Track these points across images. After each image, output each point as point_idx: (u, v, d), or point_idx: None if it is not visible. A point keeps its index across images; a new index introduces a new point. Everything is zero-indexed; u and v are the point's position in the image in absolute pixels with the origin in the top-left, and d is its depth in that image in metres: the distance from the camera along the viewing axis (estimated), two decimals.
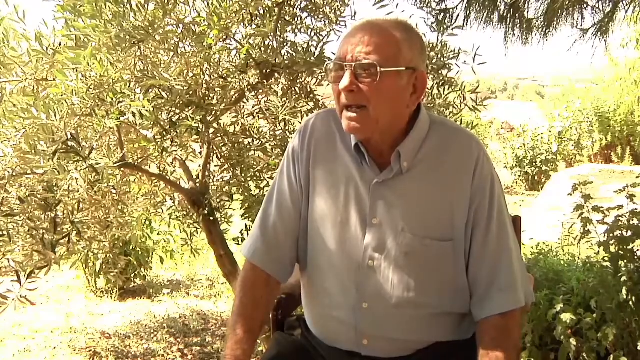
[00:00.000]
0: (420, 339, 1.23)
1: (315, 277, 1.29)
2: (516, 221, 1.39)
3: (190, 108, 2.00)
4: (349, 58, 1.14)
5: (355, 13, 2.39)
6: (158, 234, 4.40)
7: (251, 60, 2.17)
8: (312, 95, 2.42)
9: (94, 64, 1.76)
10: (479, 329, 1.20)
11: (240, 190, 2.42)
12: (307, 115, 2.24)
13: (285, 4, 2.24)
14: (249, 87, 2.26)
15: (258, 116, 2.50)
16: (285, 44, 2.30)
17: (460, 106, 2.41)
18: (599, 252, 2.49)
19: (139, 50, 1.94)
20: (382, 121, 1.16)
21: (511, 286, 1.19)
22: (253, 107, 2.51)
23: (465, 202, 1.20)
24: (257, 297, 1.29)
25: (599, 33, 3.04)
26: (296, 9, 2.37)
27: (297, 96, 2.36)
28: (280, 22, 2.23)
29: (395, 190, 1.21)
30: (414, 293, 1.20)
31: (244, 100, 2.38)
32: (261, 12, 2.14)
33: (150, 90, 1.96)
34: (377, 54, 1.12)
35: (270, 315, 1.44)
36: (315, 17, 2.39)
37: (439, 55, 2.35)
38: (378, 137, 1.20)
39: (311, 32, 2.36)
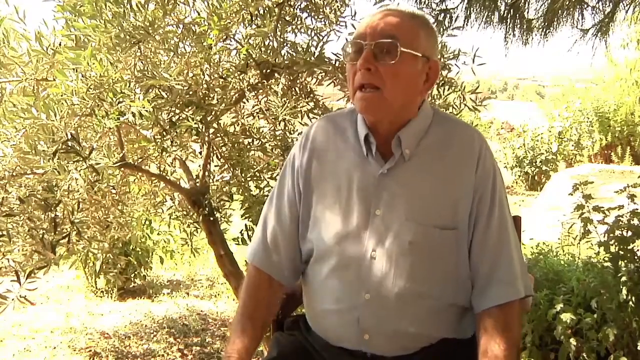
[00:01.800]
0: (422, 332, 1.23)
1: (317, 270, 1.30)
2: (516, 221, 1.39)
3: (190, 108, 2.00)
4: (369, 37, 1.16)
5: (355, 13, 2.39)
6: (158, 234, 4.40)
7: (251, 60, 2.17)
8: (312, 95, 2.42)
9: (94, 64, 1.76)
10: (479, 322, 1.21)
11: (240, 190, 2.42)
12: (307, 115, 2.25)
13: (285, 4, 2.23)
14: (249, 87, 2.26)
15: (258, 116, 2.50)
16: (285, 44, 2.30)
17: (460, 106, 2.41)
18: (599, 252, 2.49)
19: (139, 50, 1.94)
20: (396, 105, 1.18)
21: (510, 278, 1.20)
22: (253, 107, 2.51)
23: (468, 194, 1.21)
24: (260, 298, 1.31)
25: (599, 33, 3.05)
26: (296, 9, 2.37)
27: (297, 96, 2.36)
28: (280, 22, 2.23)
29: (398, 180, 1.22)
30: (417, 283, 1.20)
31: (244, 100, 2.38)
32: (261, 12, 2.13)
33: (150, 90, 1.96)
34: (397, 33, 1.15)
35: None
36: (315, 17, 2.39)
37: (439, 56, 2.34)
38: (388, 121, 1.21)
39: (311, 32, 2.36)
